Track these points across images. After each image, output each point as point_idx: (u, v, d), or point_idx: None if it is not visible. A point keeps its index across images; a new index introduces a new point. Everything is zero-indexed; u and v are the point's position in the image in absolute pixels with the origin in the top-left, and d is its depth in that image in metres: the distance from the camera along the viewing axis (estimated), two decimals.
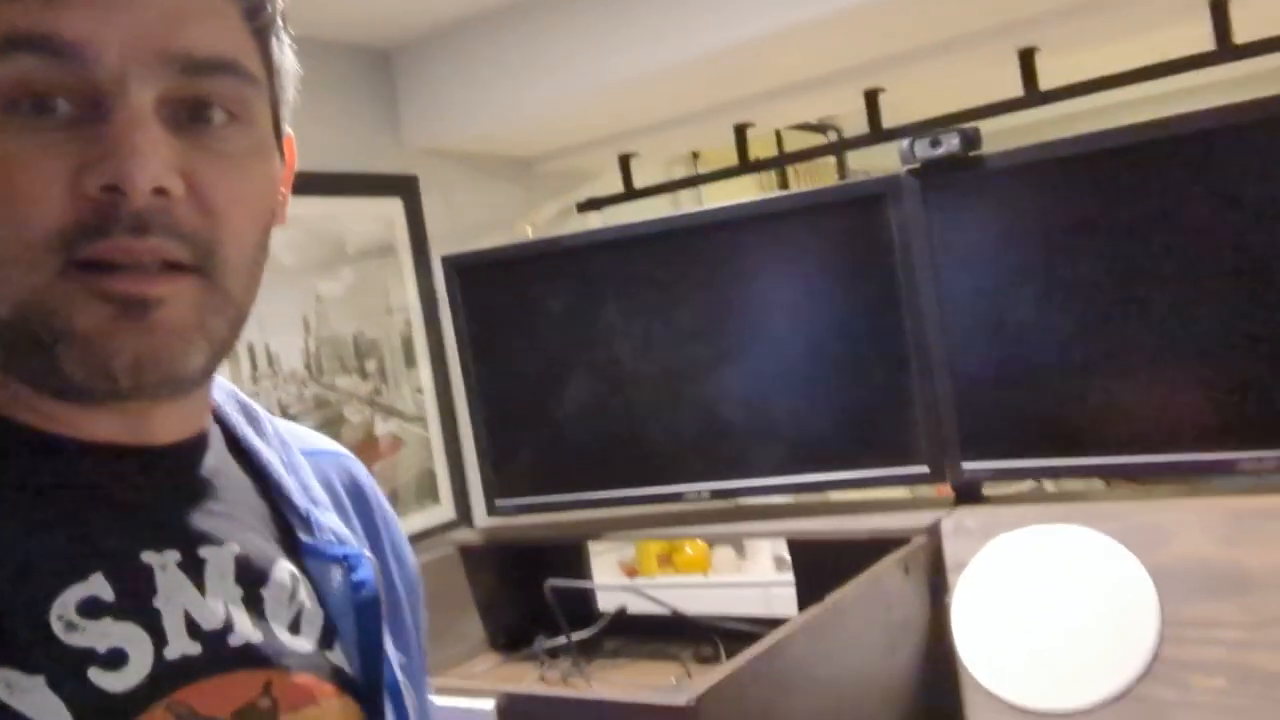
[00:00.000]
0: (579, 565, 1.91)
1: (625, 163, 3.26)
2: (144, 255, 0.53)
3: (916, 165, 1.45)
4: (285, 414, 2.44)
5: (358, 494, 0.75)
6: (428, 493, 2.81)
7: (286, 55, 0.63)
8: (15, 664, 0.50)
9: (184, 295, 0.55)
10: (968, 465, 1.49)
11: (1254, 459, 1.32)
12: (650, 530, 1.75)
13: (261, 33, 0.59)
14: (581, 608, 1.84)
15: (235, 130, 0.57)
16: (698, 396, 1.63)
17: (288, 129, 0.65)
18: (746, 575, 2.69)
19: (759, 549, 2.74)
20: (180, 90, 0.54)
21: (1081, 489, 2.03)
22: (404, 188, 2.82)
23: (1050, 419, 1.45)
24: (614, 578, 2.66)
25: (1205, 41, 2.52)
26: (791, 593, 1.72)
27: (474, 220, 3.04)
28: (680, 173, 3.73)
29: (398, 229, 2.82)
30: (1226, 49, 2.53)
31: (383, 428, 2.71)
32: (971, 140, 1.42)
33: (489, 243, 3.08)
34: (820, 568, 1.67)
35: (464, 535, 1.85)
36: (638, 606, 1.82)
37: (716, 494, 1.63)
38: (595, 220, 3.40)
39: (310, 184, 2.85)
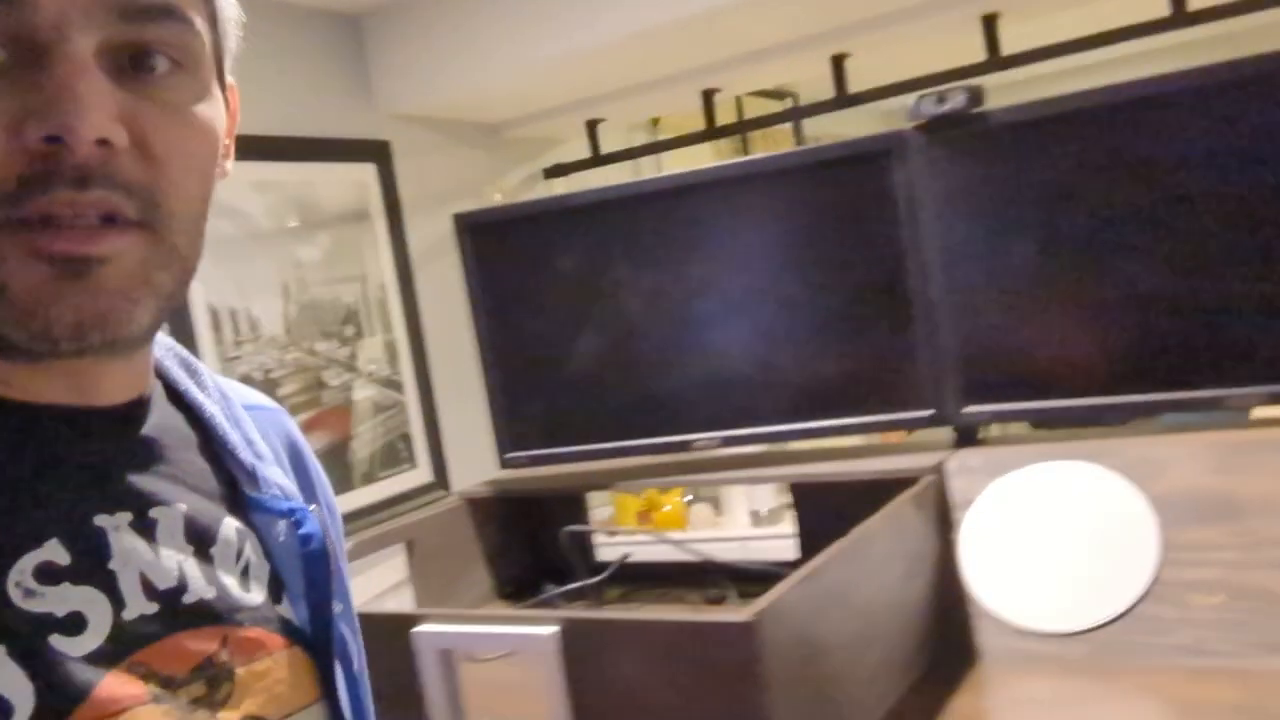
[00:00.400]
0: (579, 517, 1.96)
1: (592, 128, 3.30)
2: (86, 209, 0.51)
3: (923, 121, 1.52)
4: (268, 378, 2.45)
5: (294, 449, 0.76)
6: (405, 456, 2.83)
7: (229, 2, 0.62)
8: None
9: (128, 251, 0.53)
10: (968, 409, 1.57)
11: (1240, 394, 1.41)
12: (653, 480, 1.80)
13: None
14: (581, 559, 1.89)
15: (178, 79, 0.56)
16: (706, 348, 1.69)
17: (231, 79, 0.65)
18: (724, 530, 2.76)
19: (735, 504, 2.81)
20: (121, 37, 0.53)
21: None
22: (377, 153, 2.83)
23: (1047, 363, 1.53)
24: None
25: (1161, 7, 2.63)
26: (791, 544, 1.79)
27: (443, 186, 3.06)
28: (640, 139, 3.77)
29: (371, 194, 2.83)
30: (1181, 15, 2.64)
31: (360, 392, 2.72)
32: (976, 97, 1.48)
33: (458, 209, 3.11)
34: (821, 514, 1.74)
35: (472, 488, 1.88)
36: (640, 555, 1.88)
37: (726, 441, 1.69)
38: (561, 186, 3.44)
39: (286, 149, 2.86)
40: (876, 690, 1.29)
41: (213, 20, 0.60)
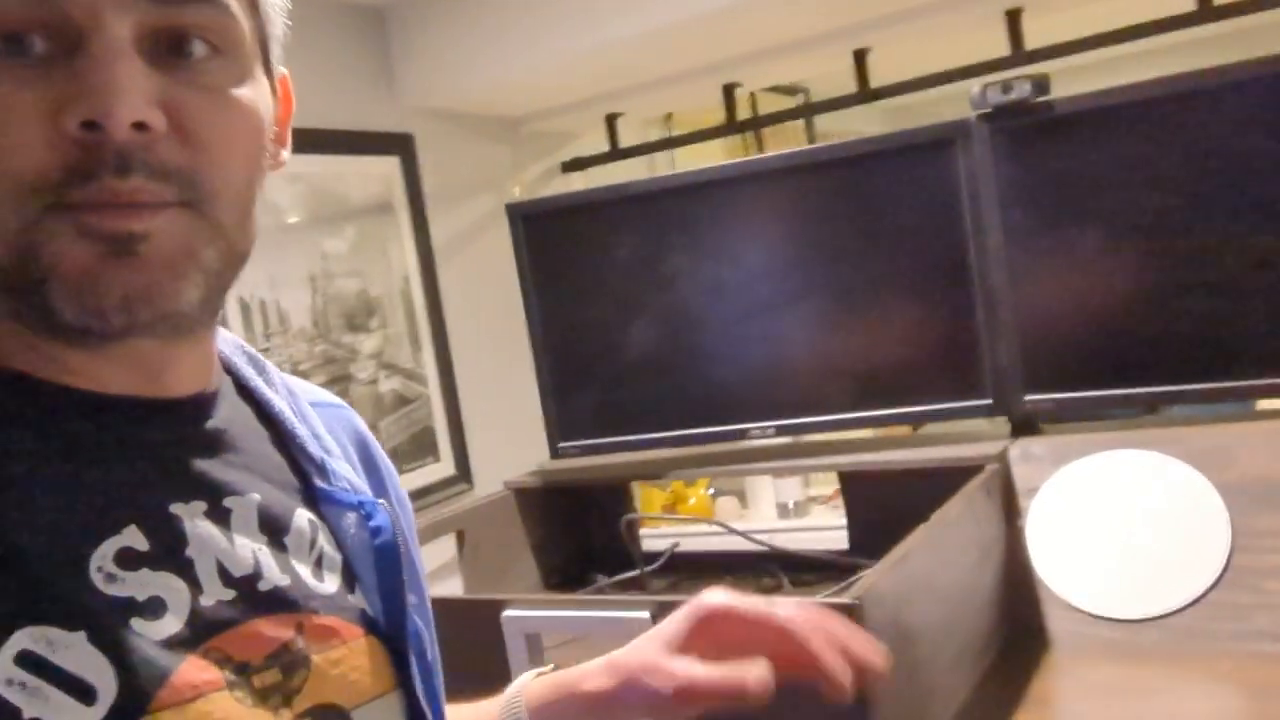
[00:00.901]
0: (626, 507, 1.96)
1: (611, 122, 3.29)
2: (127, 197, 0.52)
3: (988, 110, 1.52)
4: (296, 371, 2.44)
5: (362, 445, 0.77)
6: (428, 450, 2.83)
7: None
8: (54, 622, 0.50)
9: (171, 226, 0.54)
10: (1030, 397, 1.57)
11: None
12: (702, 470, 1.80)
13: None
14: (625, 549, 1.88)
15: (217, 63, 0.56)
16: (763, 337, 1.68)
17: (282, 69, 0.65)
18: (750, 523, 2.76)
19: (761, 497, 2.81)
20: (157, 21, 0.53)
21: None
22: (401, 146, 2.83)
23: (1107, 352, 1.53)
24: None
25: (1186, 2, 2.64)
26: (839, 535, 1.79)
27: (464, 179, 3.06)
28: (655, 134, 3.77)
29: (395, 187, 2.83)
30: (1207, 10, 2.66)
31: (386, 385, 2.72)
32: (1042, 87, 1.49)
33: (480, 202, 3.11)
34: (871, 504, 1.75)
35: (519, 478, 1.88)
36: (687, 545, 1.88)
37: (781, 430, 1.69)
38: (578, 180, 3.43)
39: (310, 141, 2.86)
40: (959, 676, 1.29)
41: (253, 6, 0.60)
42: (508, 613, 1.19)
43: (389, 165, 2.80)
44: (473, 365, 2.95)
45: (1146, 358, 1.51)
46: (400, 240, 2.83)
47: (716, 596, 0.79)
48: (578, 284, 1.74)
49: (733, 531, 1.74)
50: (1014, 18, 2.84)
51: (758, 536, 1.79)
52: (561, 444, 1.78)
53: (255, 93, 0.59)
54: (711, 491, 2.90)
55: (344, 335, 2.63)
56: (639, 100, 3.26)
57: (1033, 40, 2.84)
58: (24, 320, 0.55)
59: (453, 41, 2.83)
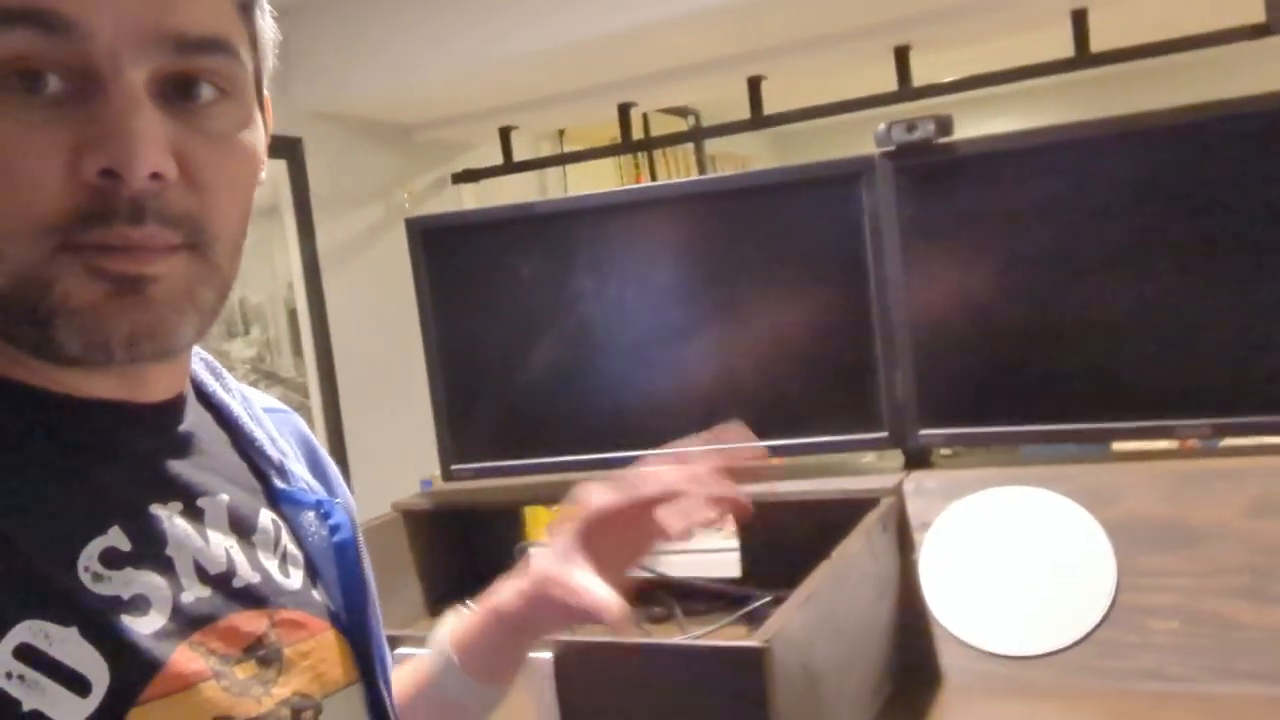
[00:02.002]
0: (517, 531, 1.92)
1: (506, 135, 3.25)
2: (139, 243, 0.54)
3: (892, 148, 1.54)
4: None
5: (309, 449, 0.80)
6: None
7: (267, 22, 0.64)
8: (49, 617, 0.52)
9: (176, 269, 0.56)
10: (924, 431, 1.59)
11: (1189, 426, 1.47)
12: None
13: (247, 7, 0.61)
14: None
15: (223, 107, 0.58)
16: (664, 362, 1.67)
17: (266, 91, 0.66)
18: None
19: None
20: (171, 68, 0.55)
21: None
22: (289, 149, 2.74)
23: (1001, 389, 1.56)
24: None
25: (1066, 47, 2.74)
26: (728, 558, 1.78)
27: (353, 186, 2.98)
28: (547, 149, 3.74)
29: (281, 191, 2.74)
30: (1084, 56, 2.76)
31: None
32: (945, 127, 1.51)
33: (369, 210, 3.03)
34: (764, 533, 1.74)
35: (408, 499, 1.82)
36: None
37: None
38: (469, 191, 3.38)
39: None
40: (857, 714, 1.29)
41: (254, 44, 0.62)
42: (400, 650, 1.14)
43: (276, 168, 2.71)
44: (358, 378, 2.87)
45: (1038, 395, 1.55)
46: (285, 246, 2.74)
47: (596, 496, 0.90)
48: (477, 302, 1.70)
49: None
50: (902, 55, 2.91)
51: (650, 562, 1.77)
52: (455, 466, 1.73)
53: (255, 134, 0.61)
54: None
55: (223, 343, 2.53)
56: (534, 115, 3.23)
57: (920, 77, 2.91)
58: (19, 344, 0.56)
59: (347, 46, 2.76)
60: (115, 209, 0.53)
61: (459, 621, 0.90)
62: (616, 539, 0.89)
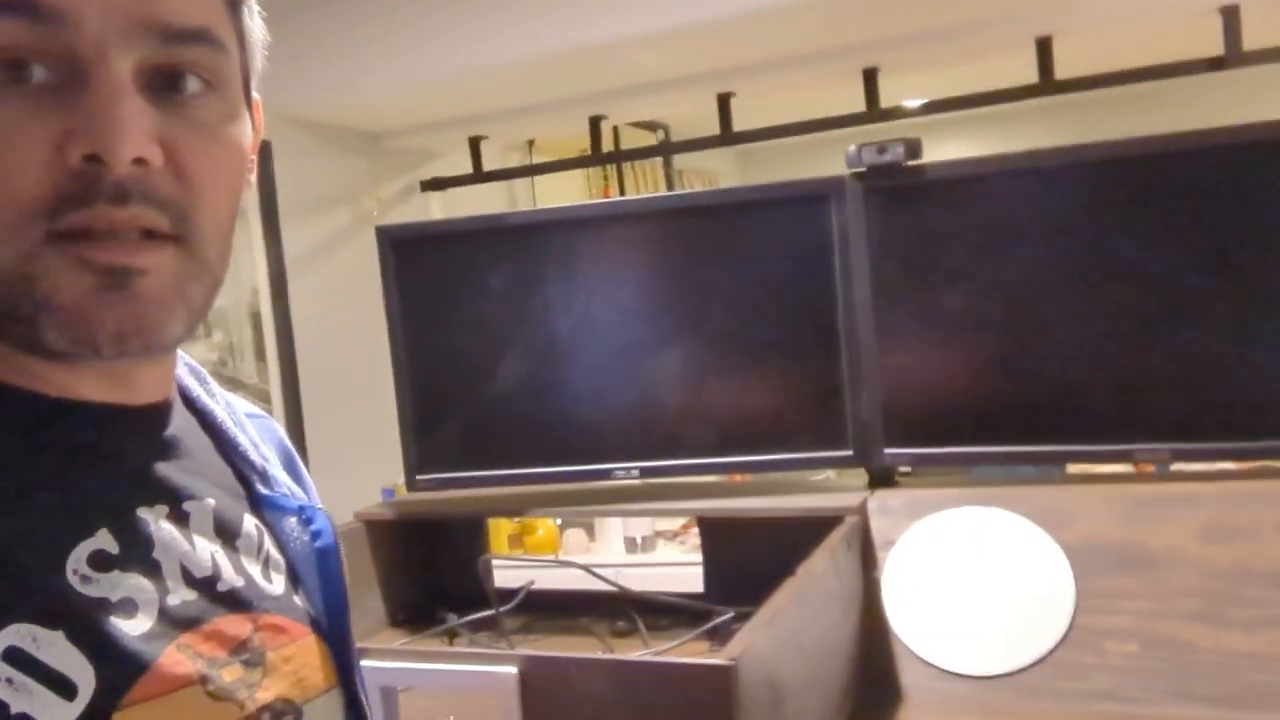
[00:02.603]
0: (481, 542, 1.92)
1: (475, 145, 3.25)
2: (124, 224, 0.54)
3: (862, 169, 1.55)
4: None
5: (287, 455, 0.80)
6: None
7: (256, 22, 0.65)
8: (37, 619, 0.52)
9: (165, 264, 0.56)
10: (889, 451, 1.61)
11: (1148, 450, 1.50)
12: (561, 509, 1.78)
13: (235, 4, 0.62)
14: (477, 586, 1.84)
15: (209, 99, 0.58)
16: (632, 377, 1.68)
17: (256, 94, 0.67)
18: (597, 556, 2.75)
19: (610, 531, 2.80)
20: (156, 58, 0.55)
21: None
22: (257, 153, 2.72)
23: (966, 411, 1.58)
24: None
25: (1030, 74, 2.79)
26: (696, 572, 1.79)
27: (321, 191, 2.97)
28: (516, 159, 3.75)
29: (248, 195, 2.71)
30: (1049, 83, 2.81)
31: None
32: (914, 150, 1.53)
33: (336, 215, 3.02)
34: (729, 549, 1.76)
35: (370, 509, 1.82)
36: (542, 582, 1.84)
37: (646, 472, 1.68)
38: (437, 199, 3.38)
39: None
40: None
41: (241, 41, 0.63)
42: (364, 663, 1.14)
43: None
44: (321, 385, 2.85)
45: (1002, 417, 1.57)
46: (250, 250, 2.73)
47: None
48: (446, 313, 1.70)
49: (590, 572, 1.72)
50: (870, 77, 2.94)
51: (612, 574, 1.77)
52: (420, 476, 1.73)
53: (240, 128, 0.62)
54: (559, 523, 2.87)
55: (184, 347, 2.51)
56: (504, 125, 3.23)
57: (888, 100, 2.95)
58: (8, 340, 0.56)
59: (318, 51, 2.75)
60: (98, 191, 0.53)
61: None
62: None
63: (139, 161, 0.53)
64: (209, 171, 0.58)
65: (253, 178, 0.68)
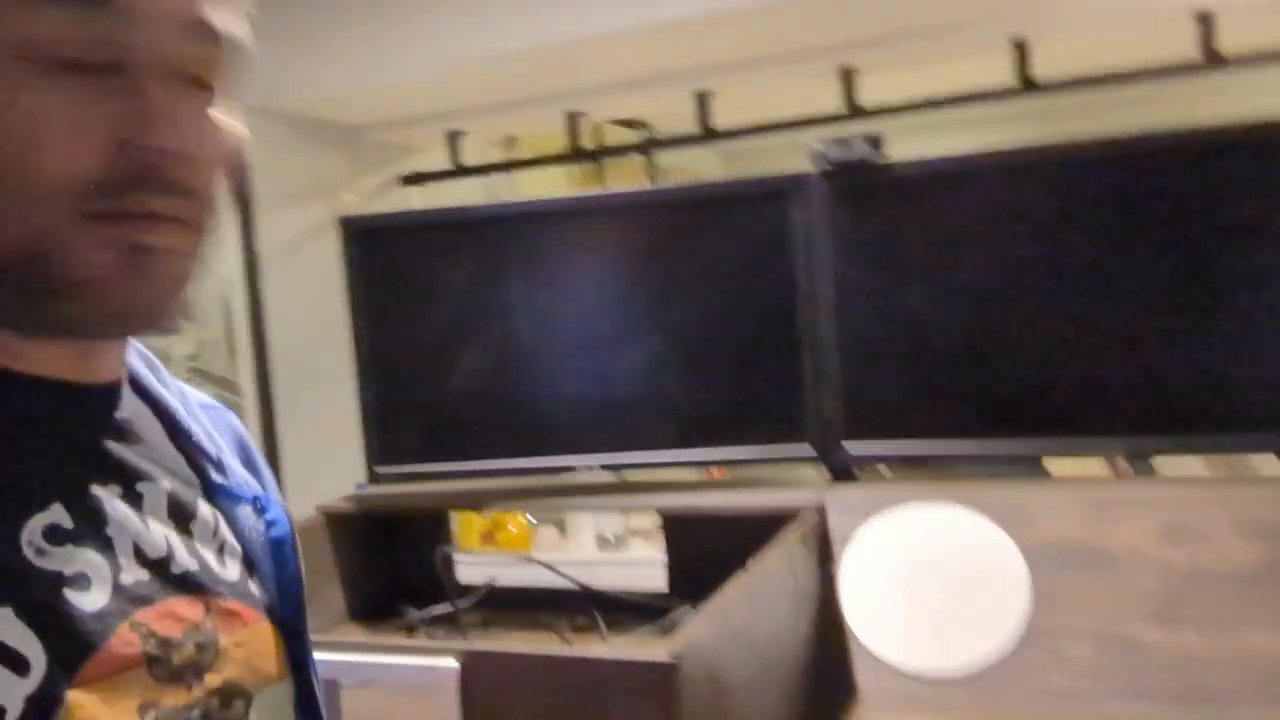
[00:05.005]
0: (443, 537, 1.90)
1: (454, 140, 3.24)
2: (164, 211, 0.56)
3: (827, 166, 1.55)
4: None
5: (242, 447, 0.79)
6: None
7: (246, 31, 0.67)
8: None
9: (181, 249, 0.58)
10: (849, 445, 1.60)
11: (1107, 444, 1.49)
12: (524, 502, 1.77)
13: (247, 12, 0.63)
14: (440, 581, 1.83)
15: (228, 101, 0.60)
16: (594, 371, 1.67)
17: None
18: (569, 554, 2.74)
19: (581, 528, 2.79)
20: (190, 57, 0.57)
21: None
22: None
23: (925, 407, 1.58)
24: None
25: (1007, 76, 2.78)
26: (659, 570, 1.78)
27: (297, 185, 2.95)
28: (497, 155, 3.73)
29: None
30: (1025, 84, 2.80)
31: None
32: (876, 143, 1.52)
33: (312, 210, 3.00)
34: (692, 546, 1.75)
35: (332, 503, 1.80)
36: (503, 579, 1.83)
37: (607, 467, 1.67)
38: (417, 195, 3.36)
39: None
40: None
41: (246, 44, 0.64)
42: (320, 656, 1.12)
43: None
44: (293, 380, 2.83)
45: (963, 414, 1.56)
46: (223, 243, 2.71)
47: None
48: (409, 305, 1.69)
49: (551, 569, 1.71)
50: (848, 76, 2.93)
51: (576, 571, 1.76)
52: (379, 468, 1.72)
53: (240, 130, 0.62)
54: (531, 520, 2.86)
55: (156, 338, 2.49)
56: (483, 120, 3.21)
57: (865, 98, 2.93)
58: (18, 314, 0.56)
59: (295, 43, 2.73)
60: (132, 178, 0.54)
61: None
62: None
63: (169, 151, 0.55)
64: (220, 170, 0.60)
65: None
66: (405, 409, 1.71)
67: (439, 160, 3.29)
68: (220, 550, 0.67)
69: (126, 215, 0.55)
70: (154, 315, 0.58)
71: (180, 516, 0.65)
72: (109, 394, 0.64)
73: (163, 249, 0.56)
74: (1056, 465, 1.70)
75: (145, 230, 0.56)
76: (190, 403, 0.73)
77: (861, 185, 1.55)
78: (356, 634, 1.76)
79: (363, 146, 3.21)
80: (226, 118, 0.61)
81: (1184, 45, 2.58)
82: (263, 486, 0.77)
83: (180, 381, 0.75)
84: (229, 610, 0.65)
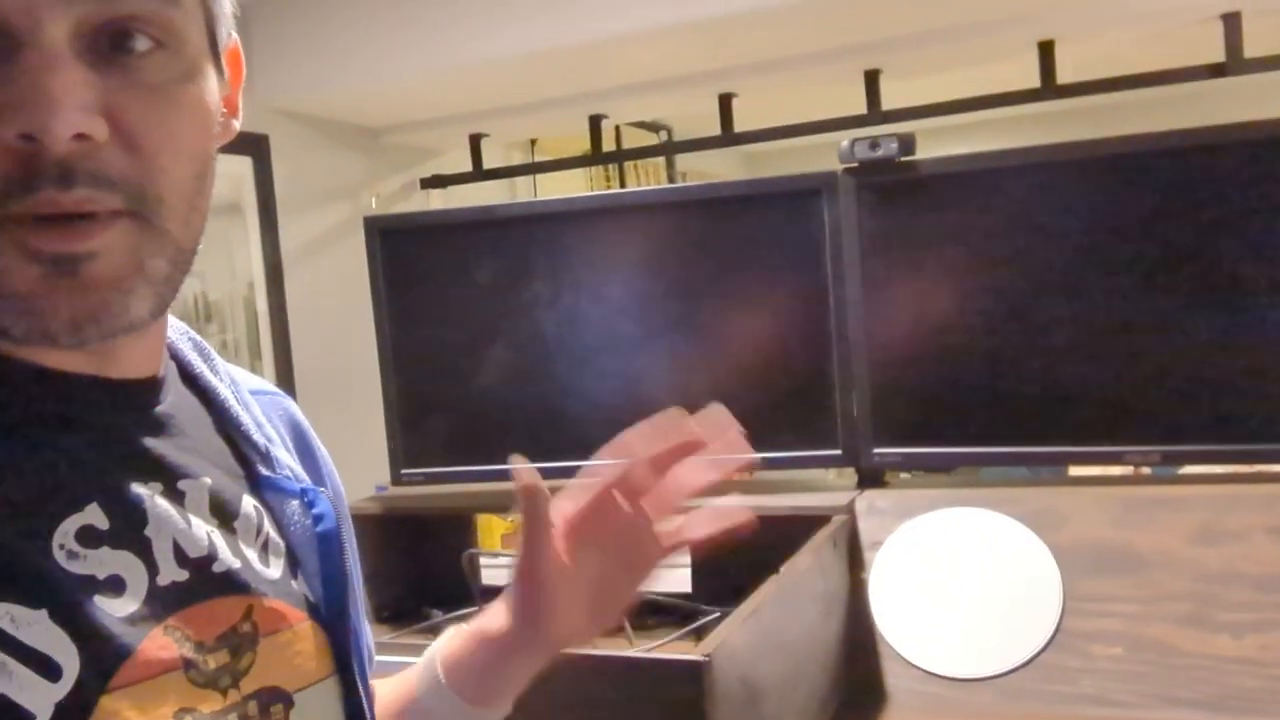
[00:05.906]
0: (468, 538, 1.90)
1: (476, 143, 3.24)
2: (70, 208, 0.51)
3: (855, 164, 1.54)
4: None
5: (298, 433, 0.78)
6: None
7: None
8: (18, 599, 0.50)
9: (117, 243, 0.53)
10: (878, 450, 1.59)
11: (1138, 452, 1.48)
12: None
13: None
14: (464, 583, 1.83)
15: (161, 57, 0.54)
16: (620, 372, 1.66)
17: (234, 35, 0.63)
18: None
19: None
20: (97, 17, 0.51)
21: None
22: (254, 146, 2.72)
23: (955, 410, 1.57)
24: None
25: (1032, 78, 2.77)
26: (684, 572, 1.77)
27: (319, 186, 2.96)
28: (518, 158, 3.74)
29: (245, 188, 2.71)
30: (1050, 87, 2.79)
31: None
32: (908, 146, 1.52)
33: (334, 211, 3.01)
34: (717, 548, 1.73)
35: (357, 504, 1.80)
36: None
37: None
38: (438, 197, 3.37)
39: None
40: None
41: None
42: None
43: (241, 165, 2.69)
44: (317, 381, 2.84)
45: (991, 417, 1.55)
46: (247, 244, 2.72)
47: (564, 507, 0.84)
48: (433, 305, 1.68)
49: None
50: (872, 78, 2.93)
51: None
52: (405, 470, 1.72)
53: (201, 86, 0.57)
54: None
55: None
56: (504, 123, 3.22)
57: (889, 101, 2.93)
58: None
59: (317, 44, 2.74)
60: (41, 173, 0.49)
61: (453, 638, 0.84)
62: (611, 546, 0.82)
63: (80, 138, 0.50)
64: (165, 138, 0.54)
65: (238, 124, 0.64)
66: (430, 411, 1.71)
67: (460, 163, 3.30)
68: (264, 548, 0.65)
69: (42, 216, 0.50)
70: (103, 320, 0.54)
71: (223, 513, 0.63)
72: (143, 390, 0.62)
73: (92, 253, 0.52)
74: (1075, 465, 1.69)
75: (71, 237, 0.51)
76: (242, 390, 0.71)
77: (890, 184, 1.54)
78: (382, 635, 1.76)
79: (384, 149, 3.22)
80: (185, 79, 0.56)
81: (1210, 48, 2.57)
82: (317, 475, 0.76)
83: (233, 367, 0.73)
84: (272, 610, 0.63)
